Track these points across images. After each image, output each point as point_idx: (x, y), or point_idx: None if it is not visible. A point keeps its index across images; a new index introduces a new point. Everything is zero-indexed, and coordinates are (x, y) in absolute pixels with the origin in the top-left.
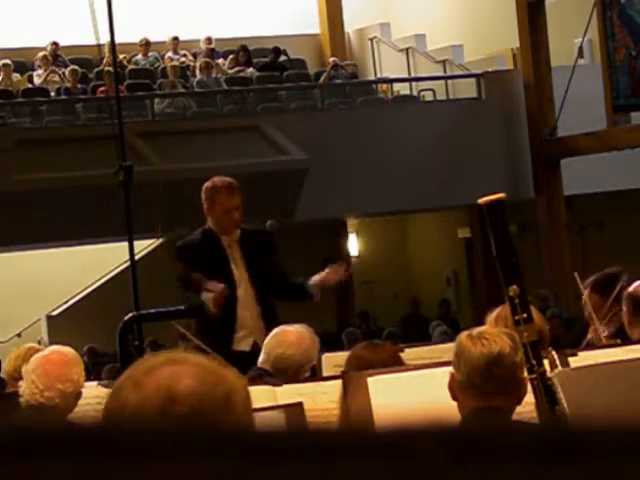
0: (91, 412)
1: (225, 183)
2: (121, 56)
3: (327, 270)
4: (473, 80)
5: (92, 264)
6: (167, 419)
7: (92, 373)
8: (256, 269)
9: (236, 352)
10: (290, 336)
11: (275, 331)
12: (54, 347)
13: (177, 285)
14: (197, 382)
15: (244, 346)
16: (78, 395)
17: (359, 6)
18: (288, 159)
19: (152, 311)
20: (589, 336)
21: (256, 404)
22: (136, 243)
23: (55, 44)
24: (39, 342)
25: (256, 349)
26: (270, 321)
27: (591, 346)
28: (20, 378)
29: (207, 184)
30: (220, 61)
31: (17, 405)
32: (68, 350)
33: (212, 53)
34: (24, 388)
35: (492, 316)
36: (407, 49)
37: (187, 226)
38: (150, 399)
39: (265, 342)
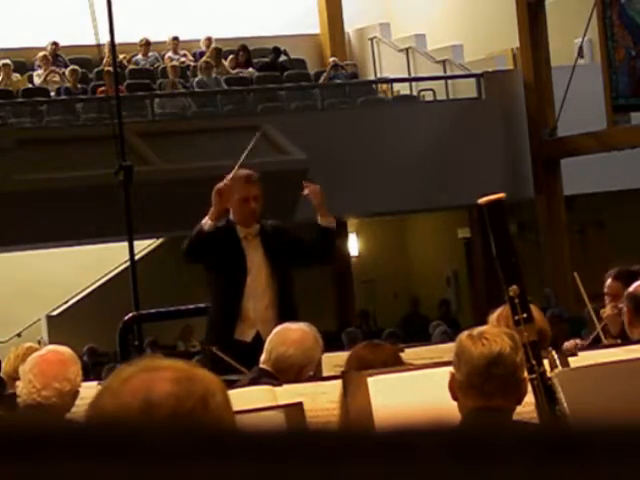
0: None
1: (245, 172)
2: (121, 56)
3: (307, 192)
4: (473, 80)
5: (92, 264)
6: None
7: (92, 373)
8: (277, 265)
9: (237, 342)
10: (292, 334)
11: (277, 329)
12: (50, 346)
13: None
14: (173, 385)
15: (245, 337)
16: (75, 394)
17: (359, 6)
18: (288, 159)
19: (152, 311)
20: (604, 313)
21: (256, 404)
22: (136, 243)
23: (55, 44)
24: (39, 342)
25: (258, 340)
26: (286, 318)
27: (597, 339)
28: (19, 378)
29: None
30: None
31: (16, 406)
32: (64, 349)
33: (219, 53)
34: (21, 388)
35: (494, 315)
36: (407, 49)
37: (187, 226)
38: (128, 406)
39: (267, 340)
